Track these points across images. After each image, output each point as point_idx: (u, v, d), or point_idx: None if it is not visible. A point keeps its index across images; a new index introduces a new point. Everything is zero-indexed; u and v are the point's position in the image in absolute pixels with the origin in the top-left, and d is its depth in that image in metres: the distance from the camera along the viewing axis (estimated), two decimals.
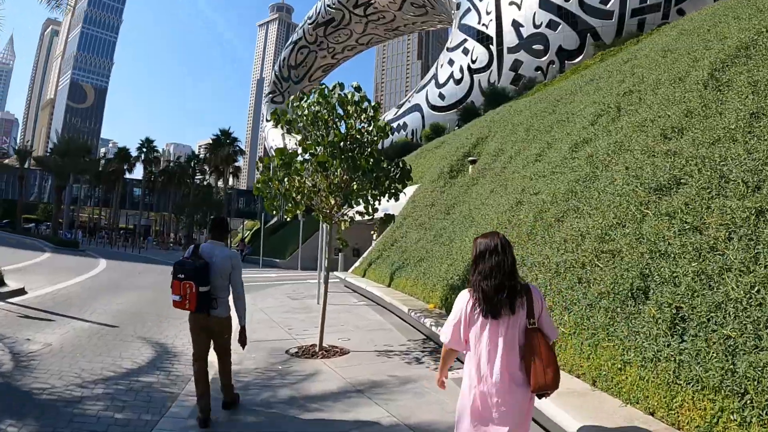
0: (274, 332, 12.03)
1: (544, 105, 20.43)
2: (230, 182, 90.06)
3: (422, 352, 10.27)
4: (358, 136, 10.43)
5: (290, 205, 10.37)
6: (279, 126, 10.80)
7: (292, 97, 11.14)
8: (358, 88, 11.11)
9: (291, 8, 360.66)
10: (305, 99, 11.06)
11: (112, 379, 8.00)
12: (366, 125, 10.59)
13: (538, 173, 13.88)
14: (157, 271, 29.35)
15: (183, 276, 5.77)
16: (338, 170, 10.17)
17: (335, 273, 24.71)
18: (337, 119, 10.53)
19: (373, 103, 10.66)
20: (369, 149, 10.47)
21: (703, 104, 9.98)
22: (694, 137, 9.09)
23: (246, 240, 71.26)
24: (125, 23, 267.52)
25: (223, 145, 75.42)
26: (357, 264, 23.78)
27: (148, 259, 42.56)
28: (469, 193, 18.40)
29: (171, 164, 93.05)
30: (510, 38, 43.84)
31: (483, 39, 46.16)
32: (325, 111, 10.37)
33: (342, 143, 10.02)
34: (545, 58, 41.99)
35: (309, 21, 77.04)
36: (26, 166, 76.34)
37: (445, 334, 3.79)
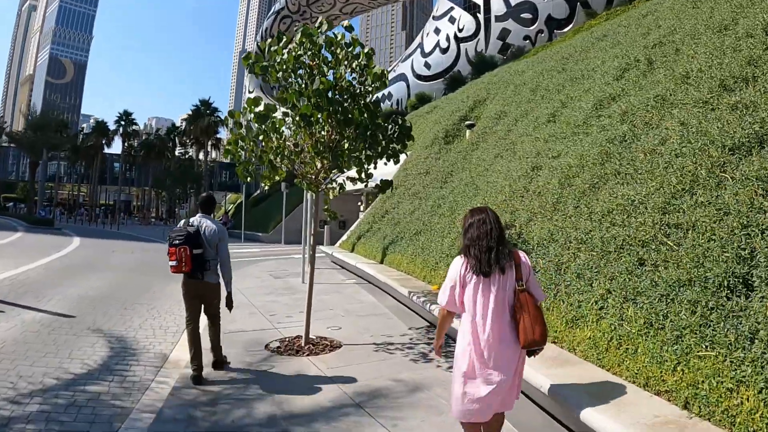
0: (254, 320, 10.33)
1: (551, 63, 18.57)
2: (213, 155, 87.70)
3: (428, 344, 8.53)
4: (350, 87, 8.57)
5: (267, 170, 8.49)
6: (253, 74, 8.86)
7: (269, 39, 9.25)
8: (349, 28, 9.24)
9: None
10: (284, 41, 9.21)
11: (52, 390, 6.32)
12: (358, 75, 8.74)
13: (555, 135, 12.09)
14: (134, 249, 27.52)
15: (178, 242, 6.46)
16: (325, 126, 8.34)
17: (321, 247, 23.01)
18: (324, 65, 8.64)
19: (366, 50, 8.77)
20: (363, 101, 8.59)
21: (766, 50, 8.25)
22: (767, 86, 7.34)
23: (230, 213, 69.14)
24: None
25: (203, 115, 72.39)
26: (344, 238, 21.98)
27: (126, 236, 40.32)
28: (469, 159, 16.59)
29: (150, 137, 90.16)
30: (498, 6, 42.66)
31: (470, 7, 44.99)
32: (310, 53, 8.49)
33: (330, 93, 8.13)
34: (534, 27, 40.64)
35: None
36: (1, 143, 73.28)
37: (442, 297, 4.11)
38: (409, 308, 10.92)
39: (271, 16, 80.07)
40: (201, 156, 79.83)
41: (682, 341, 5.02)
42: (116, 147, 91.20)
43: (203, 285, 6.78)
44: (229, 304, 7.01)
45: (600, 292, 6.40)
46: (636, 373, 5.25)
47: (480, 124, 19.06)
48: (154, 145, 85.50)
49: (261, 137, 8.41)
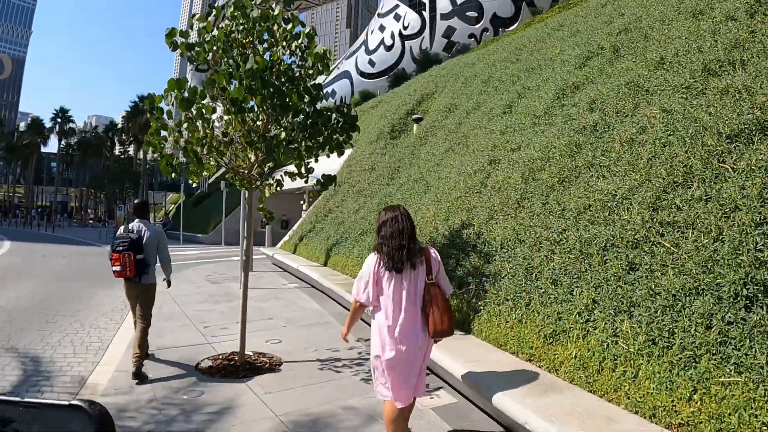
0: (186, 333, 9.09)
1: (504, 55, 17.72)
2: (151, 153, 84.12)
3: None
4: (288, 70, 7.45)
5: (193, 164, 7.25)
6: (178, 53, 7.60)
7: (197, 15, 8.06)
8: (288, 2, 8.15)
9: None
10: (214, 14, 8.04)
11: None
12: (298, 59, 7.65)
13: (512, 126, 11.16)
14: (67, 253, 25.45)
15: (121, 248, 6.79)
16: (260, 113, 7.21)
17: (261, 249, 21.73)
18: (258, 44, 7.48)
19: (308, 29, 7.66)
20: (303, 85, 7.46)
21: (752, 33, 7.49)
22: (759, 70, 6.53)
23: (170, 214, 66.54)
24: None
25: (142, 112, 68.88)
26: (286, 238, 20.69)
27: (60, 239, 37.70)
28: (418, 154, 15.57)
29: (87, 135, 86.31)
30: (443, 4, 42.18)
31: (415, 5, 44.35)
32: (242, 28, 7.34)
33: (266, 74, 6.96)
34: (479, 25, 40.37)
35: None
36: None
37: (356, 290, 4.37)
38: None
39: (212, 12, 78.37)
40: (141, 155, 76.93)
41: (698, 363, 4.07)
42: (54, 146, 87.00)
43: (140, 287, 7.13)
44: (168, 283, 7.74)
45: (584, 302, 5.42)
46: (639, 402, 4.29)
47: (428, 117, 18.09)
48: (91, 144, 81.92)
49: (185, 126, 7.20)
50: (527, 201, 7.94)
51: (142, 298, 7.18)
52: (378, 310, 4.32)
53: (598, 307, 5.25)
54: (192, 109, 7.02)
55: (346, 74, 48.64)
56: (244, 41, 7.44)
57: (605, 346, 4.88)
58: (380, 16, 48.18)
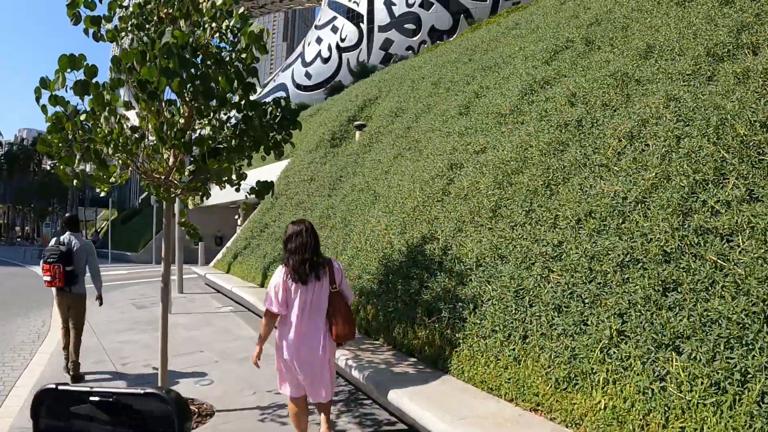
0: (100, 370, 7.66)
1: (453, 56, 16.59)
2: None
3: (337, 410, 5.99)
4: (215, 52, 6.03)
5: (96, 166, 5.71)
6: (82, 26, 6.04)
7: None
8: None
9: None
10: None
11: None
12: (228, 43, 6.23)
13: (473, 127, 9.96)
14: None
15: (52, 260, 7.15)
16: (183, 107, 5.83)
17: (193, 268, 19.95)
18: (179, 17, 6.04)
19: (241, 10, 6.24)
20: (233, 69, 6.02)
21: (757, 16, 6.52)
22: None
23: (102, 231, 62.99)
24: None
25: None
26: (219, 256, 18.97)
27: None
28: (362, 162, 14.23)
29: (13, 147, 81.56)
30: (381, 16, 41.83)
31: (353, 17, 44.04)
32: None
33: (185, 51, 5.48)
34: (417, 37, 40.13)
35: None
36: None
37: (267, 301, 4.59)
38: None
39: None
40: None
41: None
42: None
43: (71, 296, 7.38)
44: (100, 300, 7.80)
45: (605, 333, 4.14)
46: None
47: (372, 123, 16.79)
48: (18, 157, 77.53)
49: (84, 118, 5.64)
50: (505, 209, 6.67)
51: (73, 309, 7.44)
52: (286, 317, 4.56)
53: (628, 340, 3.98)
54: (93, 96, 5.49)
55: (282, 87, 47.73)
56: (162, 13, 5.99)
57: (649, 394, 3.60)
58: (317, 28, 47.46)
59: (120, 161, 5.83)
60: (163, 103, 5.72)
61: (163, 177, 6.12)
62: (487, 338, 5.28)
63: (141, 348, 8.98)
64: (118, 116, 5.75)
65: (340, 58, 43.88)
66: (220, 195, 28.69)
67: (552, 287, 5.02)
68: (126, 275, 23.03)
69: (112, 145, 5.65)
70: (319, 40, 45.96)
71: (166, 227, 6.46)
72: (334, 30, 44.63)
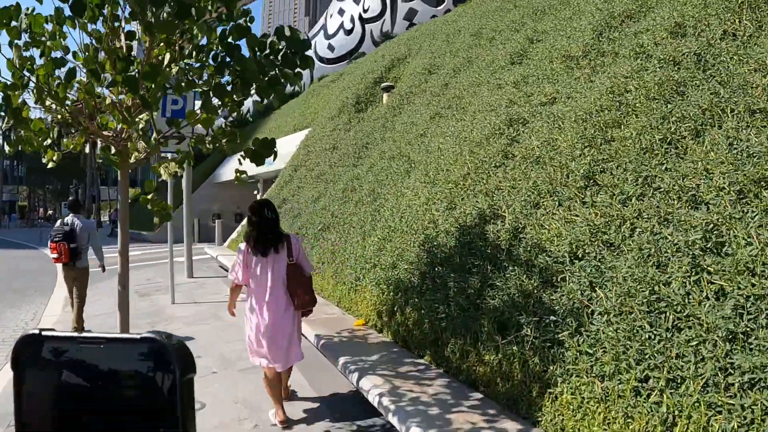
0: None
1: (494, 5, 14.37)
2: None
3: None
4: None
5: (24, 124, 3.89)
6: None
7: None
8: None
9: None
10: None
11: None
12: None
13: (534, 75, 7.95)
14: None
15: (58, 239, 7.84)
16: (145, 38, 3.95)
17: (206, 248, 18.19)
18: None
19: None
20: None
21: None
22: None
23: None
24: None
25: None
26: (234, 236, 17.22)
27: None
28: (391, 126, 12.25)
29: None
30: None
31: None
32: None
33: None
34: (442, 6, 37.50)
35: None
36: None
37: (232, 274, 4.96)
38: (322, 354, 6.45)
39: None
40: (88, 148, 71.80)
41: None
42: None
43: (76, 270, 8.06)
44: (103, 268, 8.48)
45: None
46: None
47: (402, 83, 14.78)
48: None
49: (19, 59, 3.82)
50: (606, 175, 4.65)
51: (78, 281, 8.10)
52: (250, 288, 4.86)
53: None
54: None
55: None
56: None
57: None
58: None
59: (44, 106, 3.96)
60: (102, 20, 3.82)
61: (112, 134, 4.26)
62: (605, 378, 3.33)
63: None
64: (44, 48, 3.89)
65: (363, 29, 41.76)
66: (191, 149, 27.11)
67: (716, 300, 3.05)
68: (138, 257, 21.26)
69: (46, 90, 3.80)
70: (341, 12, 43.89)
71: (122, 204, 4.58)
72: (357, 1, 42.31)
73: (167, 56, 3.99)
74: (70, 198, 9.22)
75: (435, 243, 5.97)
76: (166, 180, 8.45)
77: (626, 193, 4.27)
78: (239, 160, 4.83)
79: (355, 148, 12.86)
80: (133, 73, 3.67)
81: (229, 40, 4.02)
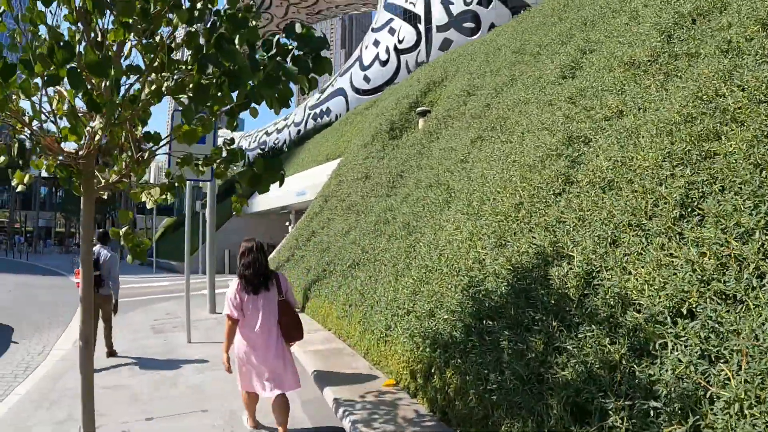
0: None
1: (536, 20, 13.31)
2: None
3: None
4: None
5: None
6: None
7: None
8: None
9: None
10: None
11: None
12: None
13: (592, 87, 6.85)
14: (20, 285, 21.02)
15: None
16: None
17: (232, 282, 17.21)
18: None
19: None
20: None
21: None
22: None
23: (155, 237, 61.54)
24: None
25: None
26: None
27: (27, 266, 32.20)
28: (428, 152, 11.24)
29: None
30: (439, 16, 38.97)
31: (410, 17, 41.24)
32: None
33: None
34: (476, 36, 36.78)
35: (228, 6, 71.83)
36: None
37: (227, 309, 5.06)
38: (340, 427, 5.33)
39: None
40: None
41: None
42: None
43: (99, 296, 8.34)
44: (115, 308, 8.67)
45: None
46: None
47: (439, 107, 13.79)
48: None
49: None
50: (710, 201, 3.52)
51: (101, 307, 8.52)
52: (242, 322, 5.03)
53: None
54: None
55: (340, 91, 46.18)
56: None
57: None
58: (374, 30, 45.16)
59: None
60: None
61: (74, 154, 3.34)
62: None
63: (128, 399, 6.27)
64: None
65: (399, 60, 41.46)
66: (271, 199, 26.13)
67: None
68: (165, 288, 20.44)
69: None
70: (376, 43, 43.90)
71: (84, 238, 3.60)
72: (392, 32, 42.37)
73: (127, 45, 3.05)
74: (99, 230, 9.74)
75: (482, 288, 4.87)
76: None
77: (744, 224, 3.14)
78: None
79: (389, 176, 11.86)
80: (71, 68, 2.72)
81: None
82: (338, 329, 7.89)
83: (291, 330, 5.13)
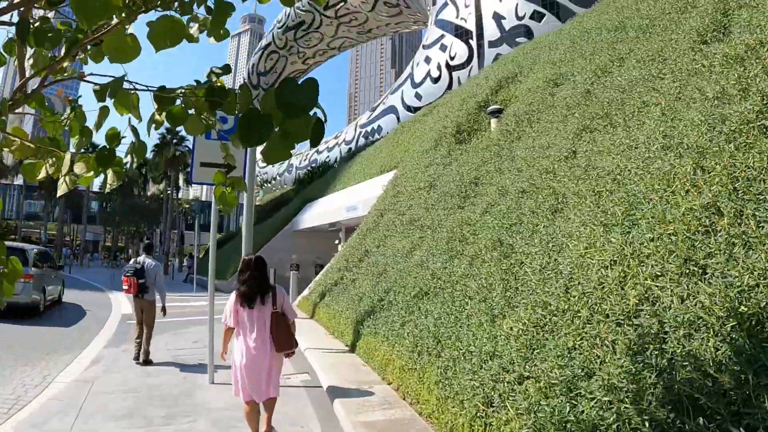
0: None
1: None
2: (185, 190, 79.99)
3: None
4: None
5: None
6: None
7: None
8: None
9: (263, 19, 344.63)
10: None
11: None
12: None
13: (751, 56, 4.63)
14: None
15: (129, 273, 9.28)
16: None
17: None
18: None
19: None
20: None
21: None
22: None
23: (201, 255, 59.85)
24: None
25: (169, 144, 60.06)
26: (306, 293, 14.25)
27: (69, 282, 31.11)
28: (509, 154, 9.12)
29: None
30: (491, 32, 37.72)
31: (462, 34, 40.19)
32: None
33: None
34: None
35: (278, 25, 70.69)
36: None
37: (224, 318, 5.38)
38: None
39: (258, 52, 76.10)
40: (179, 193, 71.92)
41: None
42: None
43: (143, 301, 9.30)
44: (163, 311, 9.53)
45: None
46: None
47: (517, 104, 11.66)
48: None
49: None
50: None
51: (145, 311, 9.28)
52: (238, 332, 5.34)
53: None
54: None
55: (391, 109, 45.06)
56: None
57: None
58: (425, 47, 44.03)
59: None
60: None
61: None
62: None
63: None
64: None
65: (451, 76, 39.83)
66: (318, 215, 24.18)
67: None
68: (202, 309, 18.57)
69: None
70: (427, 60, 42.76)
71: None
72: (443, 48, 41.17)
73: None
74: (146, 241, 10.81)
75: (668, 349, 2.69)
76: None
77: None
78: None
79: (460, 185, 9.73)
80: None
81: None
82: (403, 385, 5.76)
83: (282, 341, 5.32)
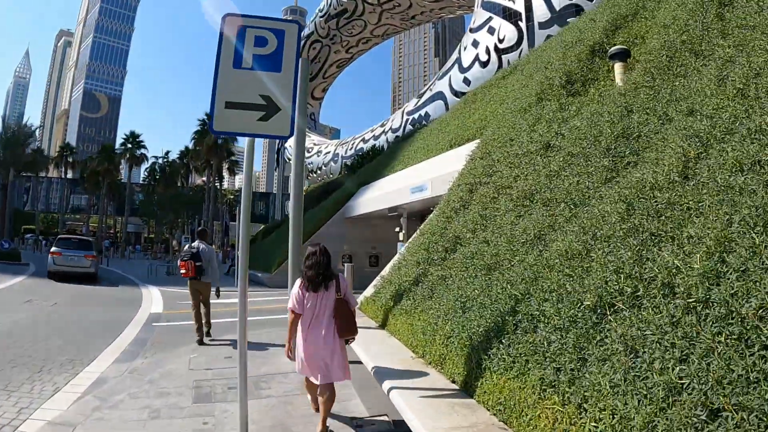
0: None
1: None
2: (230, 180, 78.71)
3: None
4: None
5: None
6: None
7: None
8: None
9: (305, 11, 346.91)
10: None
11: None
12: None
13: None
14: (67, 297, 17.80)
15: (186, 258, 10.31)
16: None
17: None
18: None
19: None
20: None
21: None
22: None
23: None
24: (137, 31, 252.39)
25: (208, 131, 57.98)
26: (370, 290, 11.24)
27: (103, 274, 29.05)
28: (691, 99, 6.18)
29: (160, 161, 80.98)
30: (541, 12, 36.09)
31: (510, 15, 38.44)
32: None
33: None
34: None
35: (320, 14, 71.51)
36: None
37: (290, 303, 5.65)
38: None
39: (301, 41, 75.24)
40: (225, 184, 70.30)
41: None
42: (135, 175, 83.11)
43: (200, 283, 10.41)
44: (218, 292, 10.83)
45: None
46: None
47: (650, 43, 8.72)
48: (163, 171, 76.72)
49: None
50: None
51: (202, 292, 10.40)
52: (304, 317, 5.58)
53: None
54: None
55: (439, 95, 44.02)
56: None
57: None
58: (472, 31, 42.20)
59: None
60: None
61: None
62: None
63: None
64: None
65: (500, 60, 38.34)
66: (376, 200, 21.29)
67: None
68: (237, 310, 15.98)
69: None
70: (475, 44, 40.98)
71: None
72: (491, 31, 39.39)
73: None
74: (199, 228, 12.57)
75: None
76: None
77: None
78: None
79: (600, 145, 6.83)
80: None
81: None
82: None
83: (344, 326, 5.51)
